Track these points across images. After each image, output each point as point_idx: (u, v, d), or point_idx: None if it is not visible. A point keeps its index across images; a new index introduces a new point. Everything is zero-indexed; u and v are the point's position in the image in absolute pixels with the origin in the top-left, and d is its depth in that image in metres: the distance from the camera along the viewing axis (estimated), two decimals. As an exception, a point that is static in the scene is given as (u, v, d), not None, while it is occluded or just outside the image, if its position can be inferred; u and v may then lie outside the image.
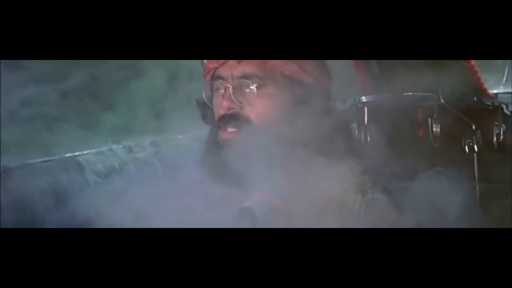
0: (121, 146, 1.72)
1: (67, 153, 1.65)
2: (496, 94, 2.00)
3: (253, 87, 1.28)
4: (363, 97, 2.02)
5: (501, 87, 2.10)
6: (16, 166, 1.49)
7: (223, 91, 1.29)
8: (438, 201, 1.43)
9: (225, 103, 1.28)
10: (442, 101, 1.88)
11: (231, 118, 1.28)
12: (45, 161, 1.57)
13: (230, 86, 1.28)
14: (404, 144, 1.64)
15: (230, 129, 1.28)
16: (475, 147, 1.85)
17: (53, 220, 1.36)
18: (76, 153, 1.66)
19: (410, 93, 1.94)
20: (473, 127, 1.85)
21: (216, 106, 1.32)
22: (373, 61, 2.07)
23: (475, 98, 1.92)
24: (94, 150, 1.69)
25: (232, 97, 1.28)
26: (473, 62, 1.82)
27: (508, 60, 2.03)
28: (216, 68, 1.31)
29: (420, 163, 1.57)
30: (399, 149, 1.54)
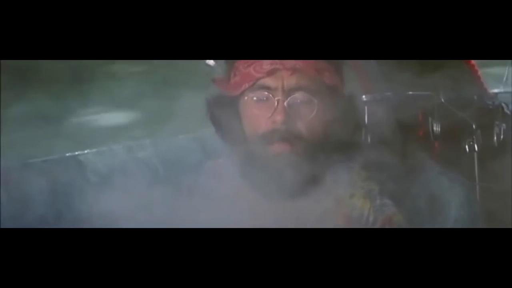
0: (121, 145, 1.72)
1: (67, 153, 1.65)
2: (496, 93, 1.99)
3: (305, 100, 1.24)
4: (363, 97, 2.01)
5: (501, 86, 2.09)
6: (16, 166, 1.49)
7: (276, 103, 1.23)
8: (438, 201, 1.43)
9: (279, 117, 1.22)
10: (443, 100, 1.87)
11: (283, 132, 1.22)
12: (45, 161, 1.57)
13: (285, 99, 1.23)
14: (404, 143, 1.64)
15: (281, 143, 1.23)
16: (476, 146, 1.84)
17: (53, 220, 1.36)
18: (76, 153, 1.66)
19: (410, 93, 1.93)
20: (474, 126, 1.85)
21: (258, 118, 1.25)
22: (373, 61, 2.06)
23: (475, 97, 1.91)
24: (94, 150, 1.68)
25: (287, 110, 1.23)
26: (473, 62, 1.82)
27: (509, 60, 2.03)
28: (260, 78, 1.24)
29: (420, 163, 1.57)
30: (399, 149, 1.54)
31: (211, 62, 1.46)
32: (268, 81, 1.24)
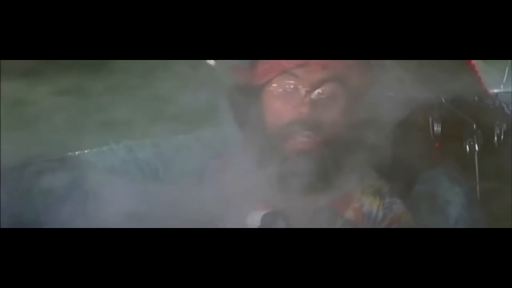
0: (121, 145, 1.72)
1: (67, 153, 1.65)
2: (497, 93, 1.99)
3: (331, 94, 1.25)
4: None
5: (502, 86, 2.09)
6: (16, 166, 1.49)
7: (303, 94, 1.24)
8: (439, 201, 1.43)
9: (305, 108, 1.23)
10: (443, 100, 1.87)
11: (307, 123, 1.23)
12: (45, 161, 1.57)
13: (312, 91, 1.24)
14: (404, 143, 1.64)
15: (302, 138, 1.24)
16: (476, 146, 1.84)
17: (53, 220, 1.36)
18: (76, 153, 1.66)
19: (411, 93, 1.93)
20: (474, 126, 1.84)
21: (282, 108, 1.26)
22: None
23: (475, 98, 1.91)
24: (94, 150, 1.69)
25: (313, 102, 1.23)
26: (473, 62, 1.82)
27: (509, 60, 2.03)
28: (290, 68, 1.25)
29: (421, 163, 1.57)
30: (399, 149, 1.54)
31: (211, 62, 1.46)
32: (297, 71, 1.24)
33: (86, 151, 1.66)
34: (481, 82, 1.87)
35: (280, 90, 1.26)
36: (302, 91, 1.24)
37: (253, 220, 1.19)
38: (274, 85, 1.27)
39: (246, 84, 1.31)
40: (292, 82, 1.25)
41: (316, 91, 1.24)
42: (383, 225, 1.28)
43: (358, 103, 1.28)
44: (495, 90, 2.02)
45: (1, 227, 1.29)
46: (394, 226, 1.27)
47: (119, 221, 1.22)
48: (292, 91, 1.25)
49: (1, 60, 1.18)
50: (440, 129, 1.90)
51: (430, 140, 1.89)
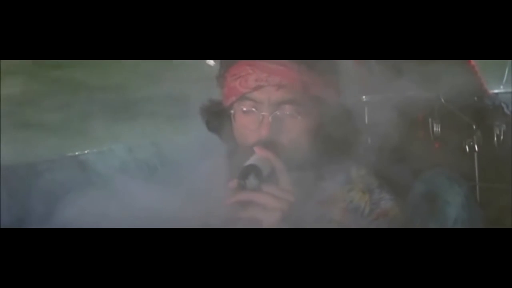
0: (121, 145, 1.72)
1: (67, 153, 1.66)
2: (496, 93, 1.99)
3: (290, 113, 1.24)
4: (363, 97, 2.01)
5: (501, 86, 2.10)
6: (16, 166, 1.49)
7: (261, 118, 1.24)
8: (438, 201, 1.43)
9: (264, 132, 1.23)
10: (443, 100, 1.88)
11: (267, 145, 1.23)
12: (45, 161, 1.57)
13: (270, 114, 1.24)
14: (404, 144, 1.64)
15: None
16: (476, 146, 1.85)
17: (53, 220, 1.36)
18: (76, 153, 1.66)
19: (411, 93, 1.93)
20: (474, 126, 1.85)
21: (246, 129, 1.27)
22: (373, 61, 2.07)
23: (475, 98, 1.92)
24: (94, 150, 1.69)
25: (272, 125, 1.24)
26: (473, 62, 1.82)
27: (508, 60, 2.03)
28: (246, 92, 1.25)
29: (421, 163, 1.57)
30: (399, 149, 1.54)
31: (211, 62, 1.46)
32: (254, 95, 1.25)
33: (86, 151, 1.67)
34: (481, 82, 1.87)
35: (243, 110, 1.27)
36: (260, 114, 1.25)
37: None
38: (237, 107, 1.28)
39: (218, 103, 1.34)
40: (251, 105, 1.26)
41: (274, 113, 1.24)
42: (369, 220, 1.28)
43: (334, 112, 1.28)
44: (495, 90, 2.02)
45: (1, 227, 1.30)
46: (380, 220, 1.27)
47: (119, 221, 1.22)
48: (252, 113, 1.26)
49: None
50: (440, 129, 1.90)
51: (430, 140, 1.89)
